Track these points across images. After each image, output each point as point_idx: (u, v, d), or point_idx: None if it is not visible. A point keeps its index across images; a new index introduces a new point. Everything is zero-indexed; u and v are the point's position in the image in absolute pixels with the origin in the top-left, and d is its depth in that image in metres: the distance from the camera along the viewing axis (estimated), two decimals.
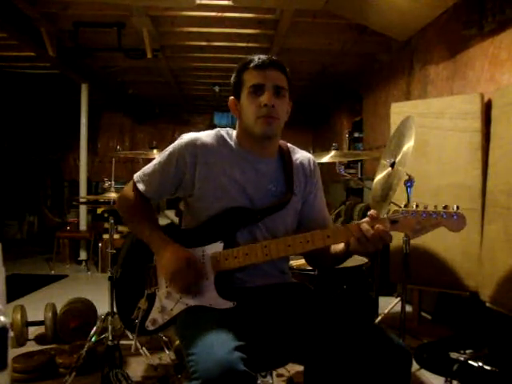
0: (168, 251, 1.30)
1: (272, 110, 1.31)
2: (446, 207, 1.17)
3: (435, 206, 1.18)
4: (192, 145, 1.35)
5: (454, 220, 1.17)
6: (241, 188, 1.35)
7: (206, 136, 1.39)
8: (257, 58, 1.33)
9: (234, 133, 1.43)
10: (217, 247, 1.31)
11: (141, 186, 1.42)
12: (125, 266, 1.48)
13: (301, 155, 1.49)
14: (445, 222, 1.17)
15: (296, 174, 1.43)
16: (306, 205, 1.45)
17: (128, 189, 1.46)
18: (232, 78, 1.40)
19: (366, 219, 1.20)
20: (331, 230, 1.26)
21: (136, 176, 1.44)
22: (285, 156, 1.43)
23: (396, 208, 1.20)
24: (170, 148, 1.39)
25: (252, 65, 1.33)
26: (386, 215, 1.20)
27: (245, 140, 1.39)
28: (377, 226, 1.17)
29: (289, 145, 1.48)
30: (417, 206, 1.19)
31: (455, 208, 1.17)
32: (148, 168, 1.43)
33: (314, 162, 1.50)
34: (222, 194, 1.34)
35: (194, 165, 1.35)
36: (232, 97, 1.40)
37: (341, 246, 1.30)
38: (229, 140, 1.40)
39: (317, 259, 1.45)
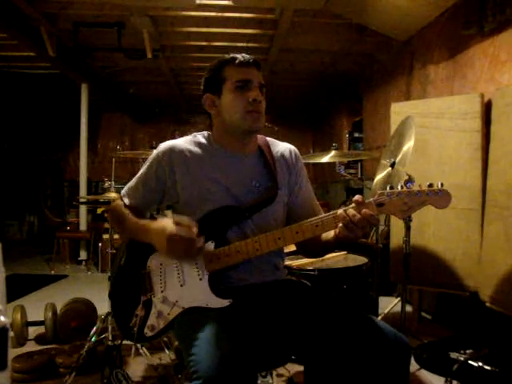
0: (154, 227, 1.29)
1: (259, 106, 1.34)
2: (430, 185, 1.18)
3: (420, 185, 1.19)
4: (168, 153, 1.37)
5: (439, 197, 1.17)
6: (224, 189, 1.36)
7: (182, 142, 1.40)
8: (240, 56, 1.35)
9: (210, 134, 1.44)
10: (208, 247, 1.31)
11: (126, 200, 1.45)
12: (119, 275, 1.48)
13: (281, 147, 1.49)
14: (430, 199, 1.17)
15: (279, 166, 1.43)
16: (292, 196, 1.46)
17: (116, 203, 1.49)
18: (206, 75, 1.40)
19: (352, 205, 1.20)
20: (319, 219, 1.25)
21: (122, 191, 1.48)
22: (264, 150, 1.44)
23: (381, 191, 1.21)
24: (149, 160, 1.42)
25: (237, 61, 1.34)
26: (371, 199, 1.21)
27: (224, 138, 1.40)
28: (363, 210, 1.18)
29: (268, 138, 1.49)
30: (402, 187, 1.20)
31: (439, 185, 1.18)
32: (132, 182, 1.46)
33: (295, 152, 1.50)
34: (207, 196, 1.34)
35: (174, 172, 1.36)
36: (207, 93, 1.39)
37: (331, 233, 1.31)
38: (206, 142, 1.41)
39: (308, 248, 1.45)
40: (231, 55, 1.36)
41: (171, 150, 1.37)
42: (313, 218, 1.26)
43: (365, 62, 4.78)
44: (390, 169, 2.27)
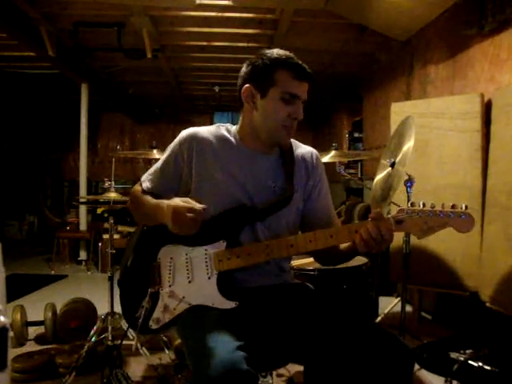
0: (165, 202, 1.29)
1: (296, 123, 1.32)
2: (453, 206, 1.12)
3: (442, 205, 1.13)
4: (189, 139, 1.37)
5: (461, 220, 1.12)
6: (239, 185, 1.35)
7: (205, 131, 1.39)
8: (297, 64, 1.29)
9: (234, 128, 1.42)
10: (220, 246, 1.31)
11: (145, 185, 1.45)
12: (130, 264, 1.47)
13: (303, 150, 1.47)
14: (452, 222, 1.12)
15: (298, 169, 1.41)
16: (309, 201, 1.43)
17: (136, 187, 1.50)
18: (255, 66, 1.32)
19: (370, 220, 1.17)
20: (334, 229, 1.24)
21: (143, 176, 1.48)
22: (286, 151, 1.42)
23: (401, 207, 1.16)
24: (171, 145, 1.42)
25: (292, 70, 1.28)
26: (390, 215, 1.17)
27: (248, 134, 1.38)
28: (382, 227, 1.14)
29: (291, 140, 1.45)
30: (423, 205, 1.14)
31: (463, 207, 1.12)
32: (153, 167, 1.46)
33: (316, 156, 1.48)
34: (219, 190, 1.34)
35: (191, 160, 1.36)
36: (250, 85, 1.32)
37: (346, 244, 1.29)
38: (229, 136, 1.40)
39: (323, 257, 1.44)
40: (289, 57, 1.30)
41: (192, 137, 1.37)
42: (328, 229, 1.24)
43: (365, 62, 4.78)
44: (389, 169, 2.27)
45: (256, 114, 1.33)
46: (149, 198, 1.40)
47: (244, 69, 1.36)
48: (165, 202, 1.30)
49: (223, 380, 0.99)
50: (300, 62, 1.30)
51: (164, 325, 1.35)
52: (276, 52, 1.32)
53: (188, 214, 1.23)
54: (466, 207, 1.12)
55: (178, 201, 1.27)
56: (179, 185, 1.41)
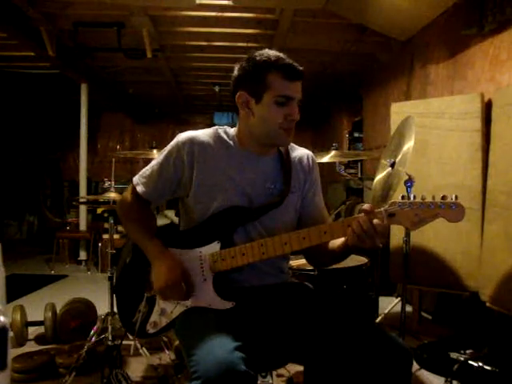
0: (161, 264, 1.29)
1: (293, 123, 1.31)
2: (444, 197, 1.14)
3: (433, 197, 1.15)
4: (189, 144, 1.34)
5: (452, 210, 1.13)
6: (239, 187, 1.34)
7: (203, 134, 1.37)
8: (287, 64, 1.27)
9: (232, 131, 1.41)
10: (214, 248, 1.31)
11: (139, 189, 1.41)
12: (125, 269, 1.47)
13: (299, 152, 1.47)
14: (443, 212, 1.14)
15: (294, 171, 1.42)
16: (305, 202, 1.44)
17: (128, 192, 1.46)
18: (246, 71, 1.30)
19: (362, 214, 1.17)
20: (328, 225, 1.24)
21: (135, 179, 1.44)
22: (283, 154, 1.42)
23: (393, 200, 1.17)
24: (168, 148, 1.38)
25: (283, 72, 1.26)
26: (382, 208, 1.18)
27: (246, 140, 1.37)
28: (374, 220, 1.15)
29: None
30: (414, 197, 1.16)
31: (453, 198, 1.14)
32: (147, 170, 1.42)
33: (312, 158, 1.48)
34: (219, 193, 1.33)
35: (192, 164, 1.34)
36: (243, 92, 1.31)
37: (339, 243, 1.28)
38: (227, 138, 1.39)
39: (316, 257, 1.44)
40: (279, 58, 1.27)
41: (192, 141, 1.34)
42: (321, 225, 1.24)
43: (365, 62, 4.78)
44: (389, 169, 2.27)
45: (253, 119, 1.32)
46: (148, 236, 1.37)
47: (236, 72, 1.34)
48: (162, 260, 1.30)
49: (221, 381, 0.99)
50: (290, 62, 1.28)
51: (161, 328, 1.35)
52: (265, 54, 1.29)
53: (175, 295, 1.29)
54: (457, 197, 1.14)
55: (177, 273, 1.28)
56: (176, 189, 1.39)
